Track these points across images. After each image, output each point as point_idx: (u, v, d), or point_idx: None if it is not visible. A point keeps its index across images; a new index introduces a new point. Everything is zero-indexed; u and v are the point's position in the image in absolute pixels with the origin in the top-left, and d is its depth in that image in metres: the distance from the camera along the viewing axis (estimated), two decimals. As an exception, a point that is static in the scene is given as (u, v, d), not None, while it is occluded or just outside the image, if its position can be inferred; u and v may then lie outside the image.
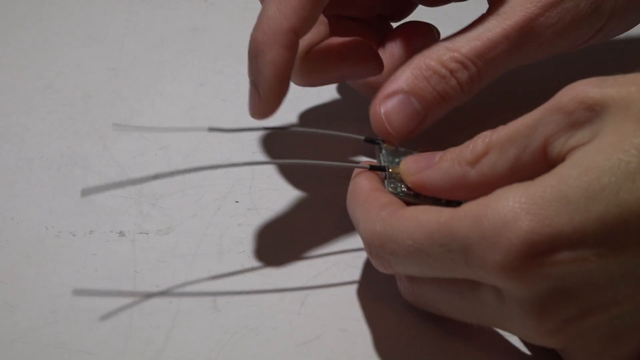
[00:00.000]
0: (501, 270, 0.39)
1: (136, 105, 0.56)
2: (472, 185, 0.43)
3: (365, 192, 0.45)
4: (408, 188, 0.45)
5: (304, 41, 0.49)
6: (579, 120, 0.40)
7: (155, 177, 0.43)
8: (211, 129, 0.46)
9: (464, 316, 0.44)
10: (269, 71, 0.46)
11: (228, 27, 0.60)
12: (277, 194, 0.52)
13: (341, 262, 0.49)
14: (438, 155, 0.45)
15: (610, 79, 0.40)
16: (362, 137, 0.47)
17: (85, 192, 0.45)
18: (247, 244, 0.49)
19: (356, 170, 0.47)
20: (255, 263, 0.49)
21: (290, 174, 0.52)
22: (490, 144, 0.42)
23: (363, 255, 0.49)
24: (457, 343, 0.46)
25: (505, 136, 0.42)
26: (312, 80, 0.50)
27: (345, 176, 0.49)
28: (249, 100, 0.47)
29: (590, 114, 0.40)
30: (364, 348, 0.46)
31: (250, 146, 0.54)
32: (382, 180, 0.46)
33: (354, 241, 0.50)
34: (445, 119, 0.48)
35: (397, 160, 0.47)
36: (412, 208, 0.43)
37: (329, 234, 0.50)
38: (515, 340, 0.46)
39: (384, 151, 0.47)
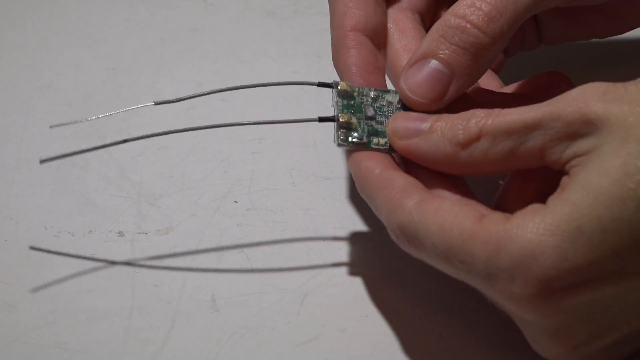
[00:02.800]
0: (518, 302, 0.40)
1: (136, 105, 0.56)
2: (462, 165, 0.43)
3: (376, 176, 0.44)
4: (359, 138, 0.45)
5: None
6: (579, 132, 0.40)
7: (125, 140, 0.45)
8: (157, 103, 0.46)
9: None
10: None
11: (228, 27, 0.60)
12: (276, 194, 0.51)
13: (340, 262, 0.49)
14: (428, 120, 0.44)
15: (617, 92, 0.40)
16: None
17: (44, 160, 0.45)
18: (246, 244, 0.49)
19: (351, 153, 0.45)
20: (254, 263, 0.49)
21: (290, 174, 0.52)
22: (484, 130, 0.42)
23: (362, 255, 0.49)
24: (458, 343, 0.46)
25: (500, 127, 0.42)
26: None
27: (342, 177, 0.50)
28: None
29: (591, 128, 0.40)
30: (363, 348, 0.46)
31: (250, 145, 0.54)
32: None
33: (354, 241, 0.50)
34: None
35: (351, 102, 0.46)
36: (437, 201, 0.42)
37: (328, 234, 0.50)
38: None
39: (336, 97, 0.46)
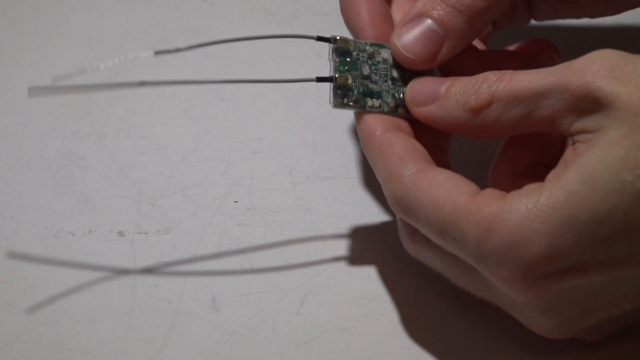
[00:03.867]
0: (507, 285, 0.40)
1: (136, 105, 0.56)
2: (476, 129, 0.43)
3: (377, 138, 0.44)
4: (355, 101, 0.45)
5: None
6: (586, 109, 0.40)
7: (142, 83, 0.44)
8: (157, 52, 0.45)
9: (465, 287, 0.44)
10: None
11: (228, 27, 0.60)
12: (276, 194, 0.52)
13: (340, 261, 0.49)
14: (443, 86, 0.44)
15: (627, 69, 0.39)
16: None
17: (33, 92, 0.44)
18: (246, 244, 0.49)
19: (357, 115, 0.46)
20: (254, 263, 0.49)
21: (290, 174, 0.52)
22: (495, 96, 0.42)
23: (362, 255, 0.49)
24: (459, 342, 0.46)
25: (510, 93, 0.42)
26: None
27: (342, 177, 0.50)
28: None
29: (598, 106, 0.40)
30: (363, 348, 0.46)
31: (250, 145, 0.54)
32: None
33: (354, 241, 0.50)
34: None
35: (347, 59, 0.46)
36: (432, 173, 0.42)
37: (329, 234, 0.50)
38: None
39: (333, 54, 0.46)
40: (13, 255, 0.49)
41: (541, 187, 0.40)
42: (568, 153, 0.41)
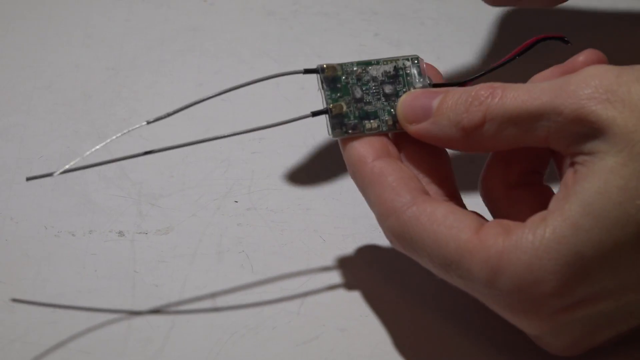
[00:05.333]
0: (520, 321, 0.41)
1: (136, 105, 0.56)
2: (471, 146, 0.42)
3: (369, 168, 0.43)
4: (353, 127, 0.45)
5: None
6: (581, 132, 0.39)
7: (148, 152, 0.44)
8: (149, 122, 0.45)
9: (469, 292, 0.43)
10: None
11: (228, 27, 0.60)
12: (276, 194, 0.52)
13: (340, 262, 0.49)
14: (435, 100, 0.43)
15: (620, 91, 0.39)
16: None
17: (30, 178, 0.44)
18: (247, 244, 0.49)
19: (343, 142, 0.45)
20: (254, 263, 0.49)
21: (290, 174, 0.52)
22: (488, 115, 0.41)
23: (363, 255, 0.49)
24: (458, 342, 0.46)
25: (504, 114, 0.41)
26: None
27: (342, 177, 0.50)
28: None
29: (593, 130, 0.39)
30: (363, 348, 0.46)
31: (250, 145, 0.54)
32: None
33: (354, 241, 0.50)
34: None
35: (338, 85, 0.45)
36: (429, 207, 0.41)
37: (328, 234, 0.50)
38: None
39: (324, 86, 0.45)
40: (13, 255, 0.49)
41: (545, 219, 0.39)
42: (568, 176, 0.40)
